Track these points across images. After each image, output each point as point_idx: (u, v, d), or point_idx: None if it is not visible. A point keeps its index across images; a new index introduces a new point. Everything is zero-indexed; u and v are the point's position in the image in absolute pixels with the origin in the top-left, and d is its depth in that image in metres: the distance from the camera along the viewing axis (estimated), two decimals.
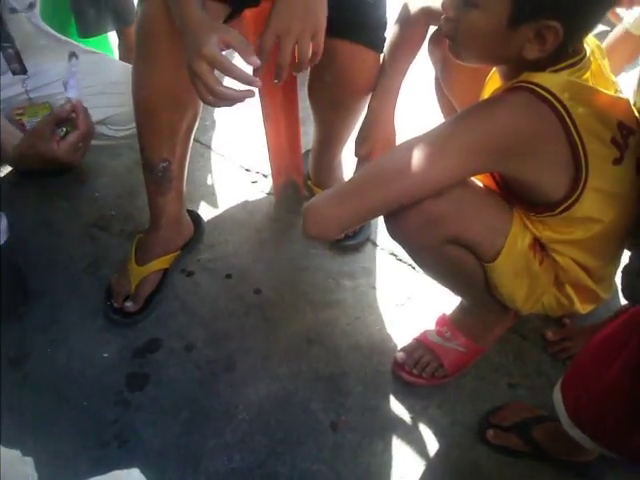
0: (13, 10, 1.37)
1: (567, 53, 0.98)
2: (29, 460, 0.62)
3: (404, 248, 1.21)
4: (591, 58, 1.02)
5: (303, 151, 1.75)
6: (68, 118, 1.38)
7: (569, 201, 1.03)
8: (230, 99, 1.11)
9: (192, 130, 1.46)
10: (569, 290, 1.20)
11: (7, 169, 1.90)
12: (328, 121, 1.56)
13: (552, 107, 0.95)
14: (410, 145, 1.03)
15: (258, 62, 1.11)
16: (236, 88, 1.11)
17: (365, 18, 1.31)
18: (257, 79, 1.11)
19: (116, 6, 1.75)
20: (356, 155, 1.37)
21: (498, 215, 1.12)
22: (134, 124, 1.49)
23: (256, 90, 1.13)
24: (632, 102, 1.09)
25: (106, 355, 1.47)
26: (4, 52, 1.44)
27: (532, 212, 1.11)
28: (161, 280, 1.57)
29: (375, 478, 1.27)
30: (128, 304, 1.52)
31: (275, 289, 1.59)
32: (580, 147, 0.98)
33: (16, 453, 0.60)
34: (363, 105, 1.47)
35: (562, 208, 1.05)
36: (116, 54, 2.07)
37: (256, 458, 1.29)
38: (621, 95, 1.07)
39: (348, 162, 1.70)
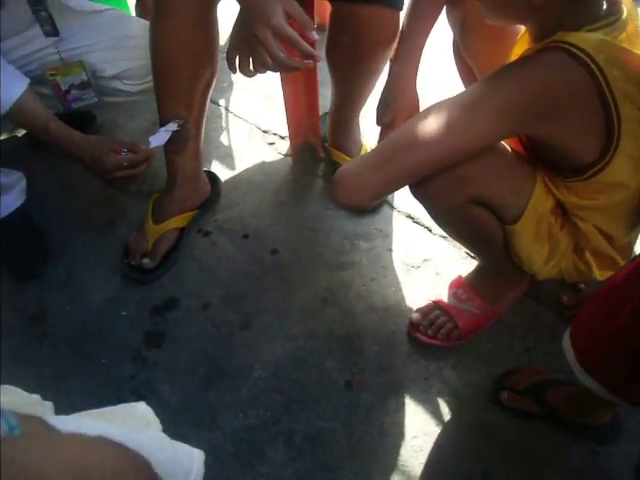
0: None
1: (602, 13, 0.96)
2: (49, 404, 0.63)
3: (426, 208, 1.20)
4: (628, 19, 0.99)
5: (321, 113, 1.74)
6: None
7: (599, 165, 1.01)
8: (291, 67, 1.13)
9: (209, 89, 1.45)
10: (588, 257, 1.19)
11: (24, 131, 1.91)
12: (346, 82, 1.55)
13: (587, 68, 0.92)
14: (442, 108, 1.02)
15: (316, 37, 1.12)
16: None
17: None
18: (319, 54, 1.13)
19: None
20: (378, 123, 1.33)
21: (521, 177, 1.11)
22: (149, 78, 1.52)
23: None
24: None
25: (124, 313, 1.49)
26: (37, 15, 1.45)
27: (560, 177, 1.09)
28: (178, 239, 1.58)
29: (388, 437, 1.28)
30: (145, 261, 1.53)
31: (291, 250, 1.60)
32: (614, 110, 0.95)
33: (36, 397, 0.62)
34: (381, 65, 1.45)
35: (591, 172, 1.03)
36: (133, 13, 2.06)
37: (271, 415, 1.31)
38: None
39: (365, 124, 1.69)
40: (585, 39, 0.93)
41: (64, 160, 1.51)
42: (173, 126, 1.42)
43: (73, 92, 1.58)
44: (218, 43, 1.40)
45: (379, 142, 1.32)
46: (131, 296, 1.52)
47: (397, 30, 1.33)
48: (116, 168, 1.39)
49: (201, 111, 1.48)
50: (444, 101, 1.02)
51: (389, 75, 1.32)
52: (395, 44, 1.44)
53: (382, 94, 1.33)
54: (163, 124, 1.45)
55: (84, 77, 1.56)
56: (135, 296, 1.52)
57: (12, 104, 1.36)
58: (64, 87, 1.56)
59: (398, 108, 1.30)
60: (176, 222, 1.58)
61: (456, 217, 1.17)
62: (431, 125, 1.01)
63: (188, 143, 1.49)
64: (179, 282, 1.54)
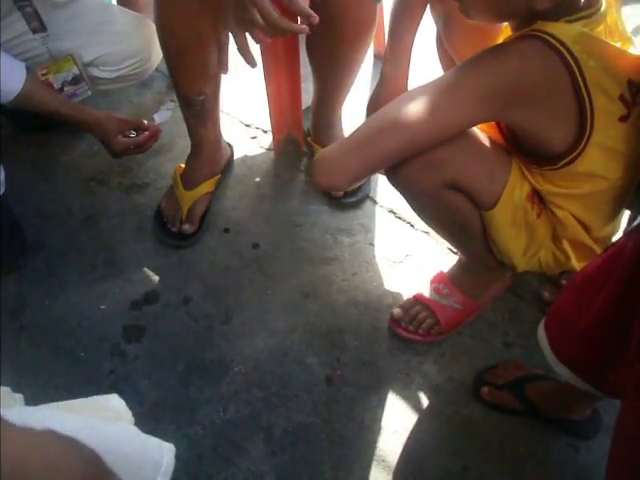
0: None
1: (581, 5, 0.96)
2: (19, 397, 0.62)
3: (403, 194, 1.20)
4: (606, 11, 0.99)
5: (304, 107, 1.73)
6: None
7: (572, 155, 1.02)
8: (284, 29, 1.07)
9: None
10: (566, 245, 1.19)
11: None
12: (325, 75, 1.54)
13: (563, 58, 0.94)
14: (419, 92, 1.02)
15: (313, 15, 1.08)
16: None
17: None
18: (315, 15, 1.08)
19: None
20: None
21: (497, 162, 1.11)
22: (125, 64, 1.59)
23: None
24: None
25: (103, 307, 1.47)
26: (23, 11, 1.44)
27: (534, 165, 1.10)
28: (209, 202, 1.65)
29: (369, 432, 1.27)
30: (185, 227, 1.58)
31: (273, 244, 1.59)
32: (587, 101, 0.96)
33: (6, 389, 0.60)
34: (360, 57, 1.45)
35: (564, 162, 1.03)
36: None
37: (251, 410, 1.30)
38: (634, 52, 1.04)
39: (348, 119, 1.68)
40: (563, 29, 0.94)
41: (44, 153, 1.52)
42: (172, 105, 1.52)
43: (67, 89, 1.58)
44: None
45: None
46: (110, 290, 1.50)
47: (374, 21, 1.33)
48: (124, 152, 1.58)
49: (218, 83, 1.50)
50: (421, 86, 1.03)
51: (381, 75, 1.31)
52: (373, 36, 1.44)
53: (373, 93, 1.32)
54: (184, 103, 1.49)
55: (75, 71, 1.56)
56: (114, 290, 1.50)
57: (17, 94, 1.39)
58: (57, 85, 1.56)
59: None
60: (207, 186, 1.63)
61: (431, 202, 1.17)
62: (408, 109, 1.01)
63: (210, 115, 1.53)
64: (159, 276, 1.53)
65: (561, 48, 0.93)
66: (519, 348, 1.39)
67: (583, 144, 1.00)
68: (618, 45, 1.01)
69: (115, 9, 1.64)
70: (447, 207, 1.16)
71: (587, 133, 0.99)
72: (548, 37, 0.94)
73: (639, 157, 1.08)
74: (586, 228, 1.16)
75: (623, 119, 1.01)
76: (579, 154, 1.02)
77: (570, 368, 1.00)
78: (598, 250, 1.19)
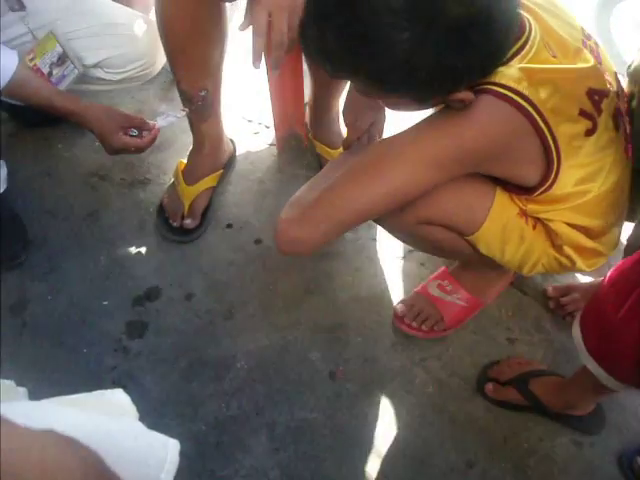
0: None
1: (510, 43, 0.93)
2: (23, 390, 0.62)
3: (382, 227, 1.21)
4: (536, 29, 0.97)
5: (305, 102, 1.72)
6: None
7: (545, 185, 1.01)
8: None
9: (224, 56, 1.45)
10: (568, 251, 1.14)
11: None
12: (322, 73, 1.53)
13: (515, 104, 0.91)
14: (373, 159, 1.02)
15: None
16: None
17: None
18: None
19: None
20: (345, 122, 1.31)
21: (475, 193, 1.09)
22: (130, 67, 1.56)
23: None
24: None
25: (106, 303, 1.47)
26: None
27: (512, 192, 1.08)
28: (211, 197, 1.64)
29: (372, 428, 1.27)
30: (187, 221, 1.58)
31: None
32: (549, 134, 0.94)
33: (10, 383, 0.60)
34: None
35: (539, 192, 1.02)
36: None
37: (254, 406, 1.30)
38: (586, 57, 1.01)
39: None
40: (503, 75, 0.92)
41: (46, 148, 1.49)
42: (182, 113, 1.47)
43: (55, 72, 1.55)
44: (226, 12, 1.37)
45: (344, 143, 1.29)
46: (113, 286, 1.50)
47: None
48: (122, 150, 1.45)
49: (219, 78, 1.49)
50: (376, 151, 1.02)
51: None
52: None
53: (347, 93, 1.31)
54: (186, 98, 1.46)
55: (59, 49, 1.51)
56: (117, 286, 1.50)
57: (8, 80, 1.34)
58: (46, 70, 1.52)
59: (360, 107, 1.27)
60: (209, 182, 1.63)
61: (410, 237, 1.19)
62: (362, 177, 1.01)
63: (212, 110, 1.52)
64: (162, 272, 1.52)
65: (510, 94, 0.91)
66: (522, 344, 1.38)
67: (554, 174, 0.99)
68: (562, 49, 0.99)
69: (121, 11, 1.61)
70: (428, 239, 1.16)
71: (555, 163, 0.98)
72: (494, 87, 0.92)
73: (620, 156, 1.07)
74: (585, 230, 1.12)
75: (590, 132, 0.99)
76: (553, 182, 1.01)
77: (602, 365, 0.99)
78: (604, 249, 1.16)
